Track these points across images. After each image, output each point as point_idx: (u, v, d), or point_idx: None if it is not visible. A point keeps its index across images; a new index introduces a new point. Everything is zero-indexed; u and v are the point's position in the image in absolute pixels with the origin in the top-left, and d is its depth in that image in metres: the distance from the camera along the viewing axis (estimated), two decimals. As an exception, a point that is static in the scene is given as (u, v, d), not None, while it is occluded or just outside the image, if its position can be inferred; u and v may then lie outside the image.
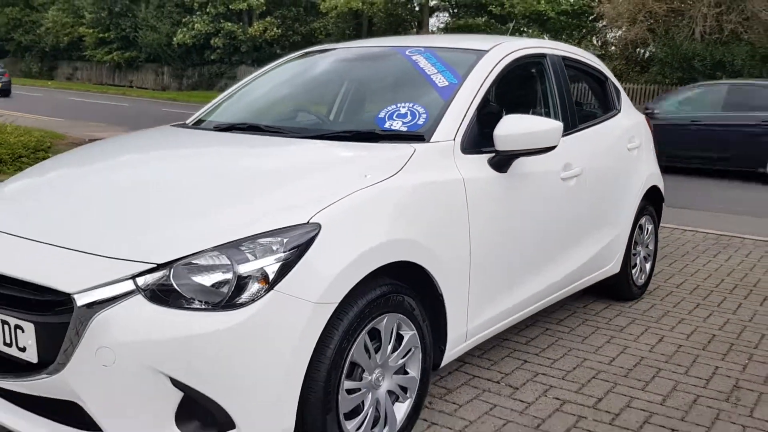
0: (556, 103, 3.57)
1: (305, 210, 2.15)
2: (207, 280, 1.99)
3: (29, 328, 2.05)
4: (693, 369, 3.37)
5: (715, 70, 21.11)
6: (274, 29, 33.25)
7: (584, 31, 29.65)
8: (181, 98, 30.44)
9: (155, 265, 1.99)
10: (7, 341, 2.11)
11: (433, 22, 33.64)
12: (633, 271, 4.36)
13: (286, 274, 2.02)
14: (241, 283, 1.99)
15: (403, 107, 2.89)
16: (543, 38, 30.32)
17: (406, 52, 3.34)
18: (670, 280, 4.94)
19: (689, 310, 4.29)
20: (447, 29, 31.56)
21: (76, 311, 1.96)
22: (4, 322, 2.10)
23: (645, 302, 4.42)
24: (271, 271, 2.01)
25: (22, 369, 2.11)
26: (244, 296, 1.99)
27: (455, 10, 32.04)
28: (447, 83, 3.00)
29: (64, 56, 42.57)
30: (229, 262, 2.00)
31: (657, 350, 3.60)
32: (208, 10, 33.71)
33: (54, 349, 2.01)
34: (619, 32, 25.21)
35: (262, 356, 2.00)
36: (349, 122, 3.09)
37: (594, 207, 3.76)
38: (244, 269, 1.99)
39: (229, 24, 33.55)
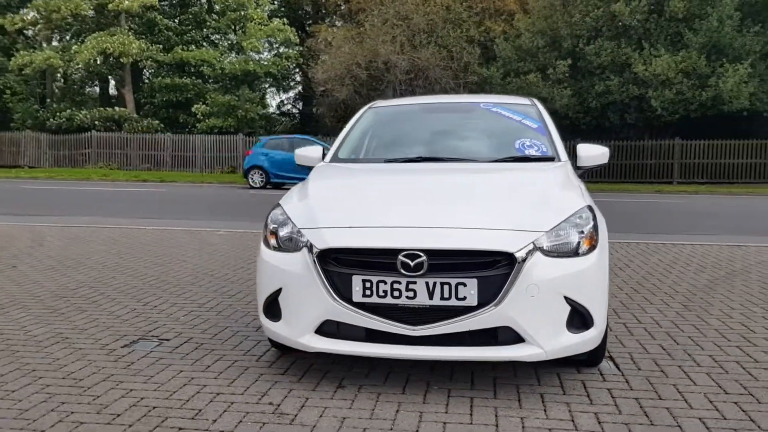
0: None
1: (582, 200, 3.56)
2: (565, 239, 3.28)
3: (471, 282, 3.09)
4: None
5: (411, 125, 25.35)
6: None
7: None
8: None
9: (543, 233, 3.22)
10: (446, 296, 3.10)
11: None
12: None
13: (597, 234, 3.42)
14: (580, 239, 3.33)
15: (527, 140, 4.39)
16: (261, 95, 32.44)
17: (481, 106, 4.83)
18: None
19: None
20: (153, 87, 31.54)
21: (517, 264, 3.10)
22: (444, 284, 3.09)
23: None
24: (593, 232, 3.39)
25: (458, 313, 3.11)
26: (583, 248, 3.33)
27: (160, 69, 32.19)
28: (535, 126, 4.58)
29: None
30: (575, 228, 3.32)
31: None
32: None
33: (491, 293, 3.09)
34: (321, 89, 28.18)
35: (602, 281, 3.37)
36: (497, 152, 4.39)
37: None
38: (586, 231, 3.34)
39: None
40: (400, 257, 3.11)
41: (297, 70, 33.45)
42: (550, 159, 4.28)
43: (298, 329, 3.35)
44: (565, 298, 3.20)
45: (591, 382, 3.47)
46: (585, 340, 3.29)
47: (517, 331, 3.14)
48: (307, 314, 3.31)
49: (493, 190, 3.74)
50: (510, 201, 3.54)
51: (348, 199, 3.73)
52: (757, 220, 12.89)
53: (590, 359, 3.61)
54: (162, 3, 32.48)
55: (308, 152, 4.76)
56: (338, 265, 3.24)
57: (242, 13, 30.32)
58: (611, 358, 3.87)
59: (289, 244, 3.44)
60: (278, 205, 3.75)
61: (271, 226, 3.57)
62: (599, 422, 2.98)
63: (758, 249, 8.27)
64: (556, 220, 3.32)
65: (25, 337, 4.27)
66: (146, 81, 34.74)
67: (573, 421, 2.99)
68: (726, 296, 5.54)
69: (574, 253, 3.28)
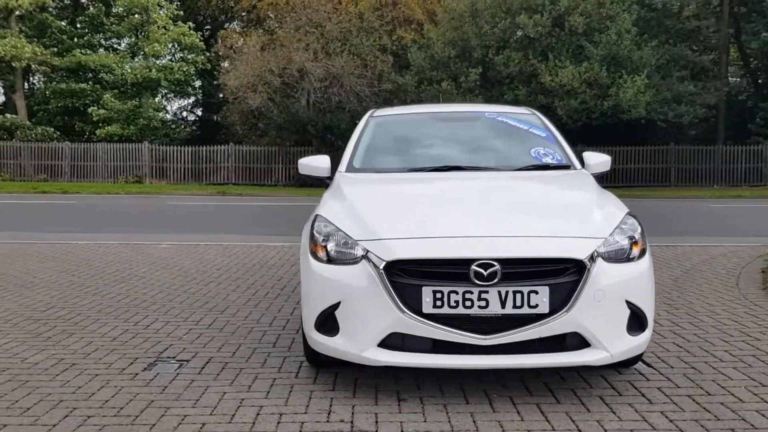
0: None
1: (622, 207, 3.67)
2: (618, 245, 3.37)
3: (543, 290, 3.11)
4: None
5: (326, 133, 25.33)
6: None
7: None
8: None
9: (603, 239, 3.30)
10: (518, 305, 3.10)
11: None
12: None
13: (645, 239, 3.53)
14: (631, 244, 3.43)
15: (541, 149, 4.48)
16: (162, 102, 31.36)
17: (486, 115, 4.89)
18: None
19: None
20: (46, 93, 29.73)
21: (587, 271, 3.14)
22: (516, 292, 3.09)
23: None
24: (641, 237, 3.49)
25: (529, 321, 3.12)
26: (634, 253, 3.42)
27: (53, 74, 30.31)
28: (543, 134, 4.68)
29: None
30: (625, 234, 3.41)
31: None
32: None
33: (561, 299, 3.13)
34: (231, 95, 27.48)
35: (652, 285, 3.47)
36: (517, 160, 4.41)
37: None
38: (636, 236, 3.44)
39: None
40: (474, 267, 3.09)
41: (197, 75, 32.45)
42: (566, 167, 4.40)
43: (360, 343, 3.25)
44: (627, 302, 3.28)
45: (638, 383, 3.58)
46: (641, 342, 3.39)
47: (585, 336, 3.19)
48: (371, 327, 3.22)
49: (541, 199, 3.80)
50: (562, 209, 3.61)
51: (401, 209, 3.66)
52: (669, 221, 13.72)
53: (633, 360, 3.72)
54: (54, 3, 30.74)
55: (315, 162, 4.62)
56: (405, 277, 3.17)
57: (145, 17, 29.12)
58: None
59: (343, 257, 3.34)
60: (319, 216, 3.63)
61: (320, 239, 3.45)
62: (670, 420, 3.08)
63: (692, 248, 8.81)
64: (610, 227, 3.41)
65: (25, 365, 3.91)
66: (37, 86, 32.73)
67: (646, 421, 3.07)
68: (699, 294, 5.87)
69: (628, 258, 3.37)
